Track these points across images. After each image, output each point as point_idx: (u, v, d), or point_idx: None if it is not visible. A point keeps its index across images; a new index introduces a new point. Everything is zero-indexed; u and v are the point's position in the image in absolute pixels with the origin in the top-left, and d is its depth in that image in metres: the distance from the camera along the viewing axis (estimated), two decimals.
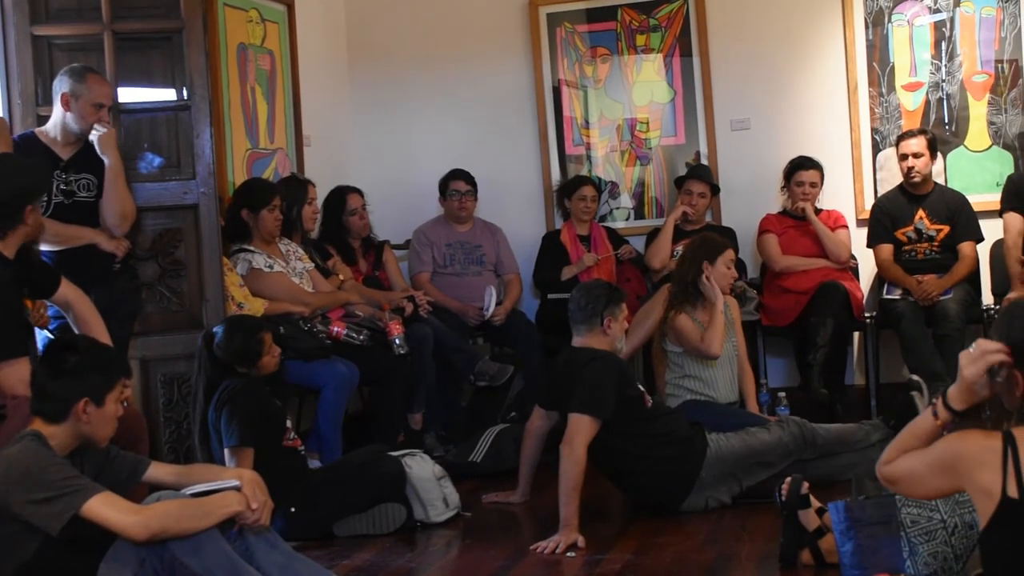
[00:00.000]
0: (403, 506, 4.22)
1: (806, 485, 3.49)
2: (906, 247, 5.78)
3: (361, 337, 5.11)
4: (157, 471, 3.22)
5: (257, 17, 5.79)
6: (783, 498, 3.48)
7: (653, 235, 6.15)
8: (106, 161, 4.20)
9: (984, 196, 5.91)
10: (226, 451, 3.99)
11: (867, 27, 6.18)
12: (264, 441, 4.05)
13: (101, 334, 3.77)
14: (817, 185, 5.96)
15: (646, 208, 6.54)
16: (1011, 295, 5.35)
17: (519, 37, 6.60)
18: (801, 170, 5.95)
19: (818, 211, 5.96)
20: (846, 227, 5.99)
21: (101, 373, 3.05)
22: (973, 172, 6.08)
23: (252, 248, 5.10)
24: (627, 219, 6.55)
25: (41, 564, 2.90)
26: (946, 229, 5.73)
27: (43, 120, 4.33)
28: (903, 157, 5.75)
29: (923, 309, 5.53)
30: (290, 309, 5.01)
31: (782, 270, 5.89)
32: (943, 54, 6.12)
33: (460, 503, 4.41)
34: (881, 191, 6.07)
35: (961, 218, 5.73)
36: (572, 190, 6.24)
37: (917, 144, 5.71)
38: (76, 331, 3.85)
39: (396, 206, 6.41)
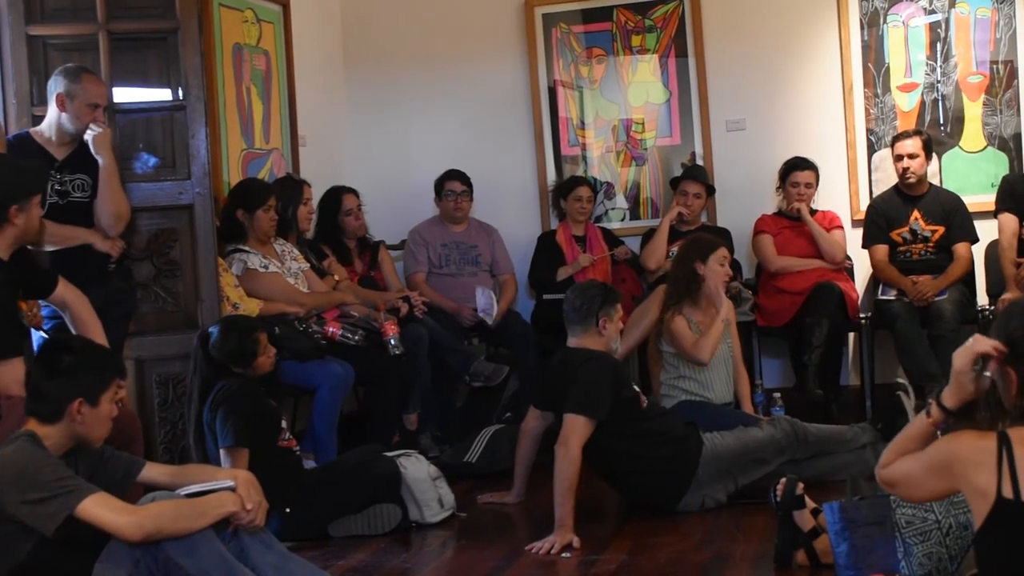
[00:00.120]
0: (398, 507, 4.22)
1: (801, 486, 3.50)
2: (901, 248, 5.78)
3: (356, 337, 5.10)
4: (152, 471, 3.21)
5: (252, 17, 5.79)
6: (778, 499, 3.49)
7: (648, 236, 6.15)
8: (100, 161, 4.19)
9: (979, 197, 5.92)
10: (221, 451, 3.98)
11: (862, 28, 6.18)
12: (259, 441, 4.04)
13: (98, 335, 3.77)
14: (812, 186, 5.97)
15: (641, 209, 6.54)
16: (1006, 296, 5.36)
17: (515, 38, 6.60)
18: (796, 171, 5.95)
19: (813, 212, 5.96)
20: (841, 228, 5.99)
21: (96, 373, 3.05)
22: (968, 173, 6.08)
23: (247, 248, 5.09)
24: (623, 220, 6.55)
25: (36, 565, 2.89)
26: (941, 230, 5.74)
27: (38, 120, 4.32)
28: (898, 158, 5.75)
29: (918, 310, 5.53)
30: (285, 309, 5.01)
31: (777, 271, 5.89)
32: (938, 55, 6.12)
33: (455, 504, 4.41)
34: (876, 192, 6.07)
35: (956, 219, 5.73)
36: (568, 191, 6.24)
37: (912, 145, 5.71)
38: (73, 331, 3.84)
39: (391, 206, 6.40)
